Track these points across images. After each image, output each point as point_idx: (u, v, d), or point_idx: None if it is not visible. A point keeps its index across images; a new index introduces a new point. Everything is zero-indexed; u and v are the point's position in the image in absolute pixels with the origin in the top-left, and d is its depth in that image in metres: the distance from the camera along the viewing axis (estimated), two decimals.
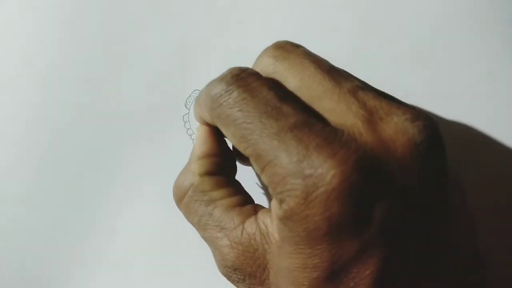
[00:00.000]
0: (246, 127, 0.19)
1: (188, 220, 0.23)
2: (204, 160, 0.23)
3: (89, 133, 0.34)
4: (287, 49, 0.22)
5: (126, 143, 0.34)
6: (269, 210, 0.21)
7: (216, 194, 0.22)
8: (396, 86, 0.34)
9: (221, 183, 0.23)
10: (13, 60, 0.36)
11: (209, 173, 0.23)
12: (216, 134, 0.24)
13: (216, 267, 0.22)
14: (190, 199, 0.23)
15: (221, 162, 0.24)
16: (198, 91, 0.34)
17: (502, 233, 0.31)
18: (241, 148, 0.19)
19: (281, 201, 0.18)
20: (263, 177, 0.19)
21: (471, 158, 0.32)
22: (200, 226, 0.22)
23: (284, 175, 0.17)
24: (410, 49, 0.34)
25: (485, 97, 0.33)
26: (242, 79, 0.20)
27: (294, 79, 0.20)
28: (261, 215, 0.21)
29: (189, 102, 0.34)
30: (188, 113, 0.34)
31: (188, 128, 0.33)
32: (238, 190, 0.23)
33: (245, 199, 0.22)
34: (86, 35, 0.36)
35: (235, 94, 0.19)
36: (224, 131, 0.20)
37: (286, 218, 0.18)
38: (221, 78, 0.21)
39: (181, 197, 0.23)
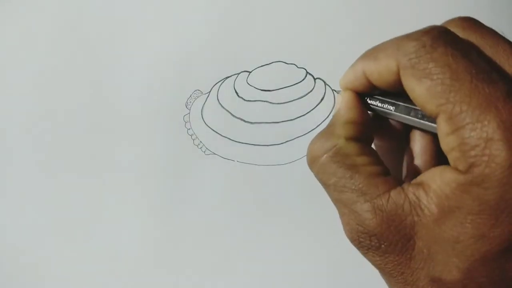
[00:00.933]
0: (450, 84, 0.18)
1: (321, 180, 0.23)
2: (350, 125, 0.23)
3: (90, 133, 0.34)
4: (476, 24, 0.22)
5: (127, 143, 0.34)
6: (419, 183, 0.20)
7: (360, 159, 0.22)
8: None
9: (364, 150, 0.23)
10: (13, 60, 0.36)
11: (354, 138, 0.23)
12: (362, 102, 0.24)
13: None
14: (330, 159, 0.22)
15: (364, 130, 0.24)
16: (199, 91, 0.34)
17: None
18: (433, 104, 0.19)
19: (472, 165, 0.18)
20: (453, 138, 0.19)
21: None
22: (337, 188, 0.22)
23: (487, 138, 0.17)
24: None
25: None
26: (452, 37, 0.20)
27: (489, 49, 0.20)
28: (410, 187, 0.20)
29: (190, 102, 0.34)
30: (189, 113, 0.34)
31: (189, 129, 0.33)
32: (379, 160, 0.23)
33: (387, 170, 0.22)
34: (87, 35, 0.36)
35: (442, 48, 0.19)
36: (413, 84, 0.20)
37: (474, 184, 0.18)
38: (426, 31, 0.20)
39: (318, 156, 0.23)
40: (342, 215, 0.22)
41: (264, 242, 0.32)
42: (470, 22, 0.22)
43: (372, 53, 0.23)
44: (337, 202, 0.22)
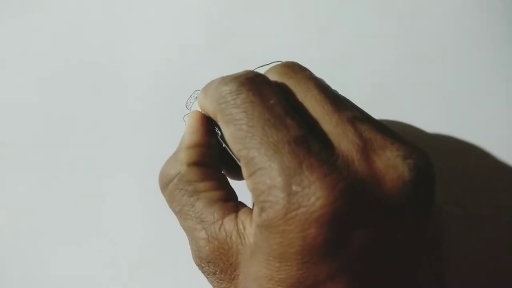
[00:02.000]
0: (247, 130, 0.19)
1: (170, 208, 0.24)
2: (193, 149, 0.24)
3: (90, 133, 0.34)
4: (295, 70, 0.23)
5: (127, 143, 0.34)
6: (250, 211, 0.21)
7: (201, 185, 0.23)
8: (397, 86, 0.34)
9: (207, 175, 0.23)
10: (13, 60, 0.36)
11: (196, 163, 0.24)
12: (208, 124, 0.24)
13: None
14: (175, 187, 0.23)
15: (209, 153, 0.24)
16: (199, 92, 0.34)
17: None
18: (235, 148, 0.20)
19: (261, 210, 0.18)
20: (249, 182, 0.19)
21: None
22: (181, 215, 0.23)
23: (270, 185, 0.18)
24: (410, 51, 0.34)
25: (486, 98, 0.33)
26: (255, 83, 0.21)
27: (298, 96, 0.21)
28: (241, 214, 0.21)
29: (190, 102, 0.34)
30: (189, 113, 0.34)
31: None
32: (223, 184, 0.23)
33: (229, 195, 0.23)
34: (87, 36, 0.36)
35: (244, 95, 0.20)
36: (223, 127, 0.21)
37: (263, 227, 0.18)
38: (235, 77, 0.21)
39: (166, 184, 0.24)
40: (189, 241, 0.23)
41: None
42: (289, 69, 0.23)
43: (207, 87, 0.23)
44: (183, 228, 0.23)
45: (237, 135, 0.20)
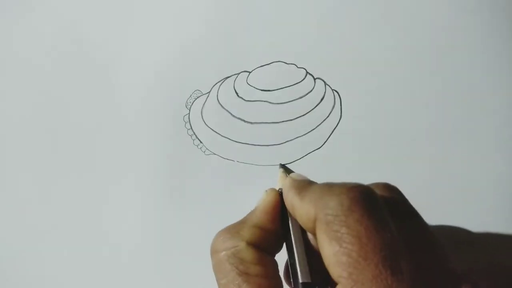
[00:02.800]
0: (356, 259, 0.18)
1: (215, 274, 0.23)
2: (258, 230, 0.23)
3: (90, 133, 0.34)
4: (401, 196, 0.22)
5: (127, 143, 0.34)
6: None
7: (254, 269, 0.22)
8: (398, 86, 0.34)
9: (263, 260, 0.22)
10: (13, 60, 0.36)
11: (256, 244, 0.22)
12: (282, 209, 0.23)
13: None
14: (227, 259, 0.22)
15: (271, 239, 0.23)
16: (199, 91, 0.34)
17: None
18: (335, 271, 0.18)
19: None
20: None
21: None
22: None
23: None
24: (410, 50, 0.34)
25: (486, 97, 0.33)
26: (370, 203, 0.19)
27: (409, 226, 0.20)
28: None
29: (190, 102, 0.34)
30: (189, 113, 0.34)
31: (189, 129, 0.33)
32: (273, 273, 0.22)
33: (278, 286, 0.22)
34: (87, 36, 0.36)
35: (357, 215, 0.18)
36: (324, 242, 0.19)
37: None
38: (348, 189, 0.20)
39: (218, 251, 0.23)
40: None
41: None
42: (396, 194, 0.22)
43: (302, 188, 0.22)
44: None
45: (343, 260, 0.18)
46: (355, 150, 0.32)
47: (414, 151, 0.32)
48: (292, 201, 0.22)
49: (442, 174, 0.32)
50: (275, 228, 0.23)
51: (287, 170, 0.25)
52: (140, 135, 0.34)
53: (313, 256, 0.21)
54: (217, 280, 0.22)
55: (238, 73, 0.34)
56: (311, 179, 0.24)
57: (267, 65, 0.34)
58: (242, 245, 0.22)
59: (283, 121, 0.33)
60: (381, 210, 0.19)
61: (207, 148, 0.33)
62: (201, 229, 0.32)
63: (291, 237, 0.22)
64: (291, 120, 0.33)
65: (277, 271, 0.22)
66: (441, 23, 0.34)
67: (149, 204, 0.33)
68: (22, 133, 0.35)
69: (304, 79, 0.34)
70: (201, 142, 0.33)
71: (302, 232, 0.22)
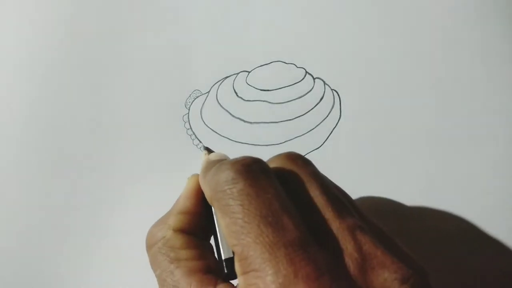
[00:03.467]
0: (242, 225, 0.18)
1: (152, 269, 0.23)
2: (183, 216, 0.23)
3: (89, 133, 0.34)
4: (298, 164, 0.22)
5: (126, 143, 0.34)
6: (228, 286, 0.21)
7: (183, 253, 0.22)
8: (397, 86, 0.34)
9: (191, 243, 0.23)
10: (13, 61, 0.36)
11: (183, 230, 0.23)
12: (202, 192, 0.23)
13: None
14: (158, 250, 0.23)
15: (198, 221, 0.23)
16: (198, 91, 0.34)
17: None
18: (229, 242, 0.19)
19: None
20: (241, 279, 0.19)
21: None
22: (160, 280, 0.22)
23: None
24: (410, 50, 0.34)
25: (486, 96, 0.33)
26: (252, 171, 0.20)
27: (299, 192, 0.20)
28: None
29: (189, 102, 0.34)
30: (188, 113, 0.34)
31: (188, 128, 0.33)
32: (206, 254, 0.23)
33: (210, 266, 0.22)
34: (86, 36, 0.36)
35: (240, 185, 0.19)
36: (218, 216, 0.20)
37: None
38: (232, 163, 0.20)
39: (151, 245, 0.23)
40: None
41: None
42: (292, 162, 0.22)
43: (207, 169, 0.23)
44: None
45: (233, 229, 0.19)
46: (355, 150, 0.32)
47: (414, 151, 0.32)
48: (200, 183, 0.23)
49: (442, 174, 0.32)
50: (199, 211, 0.23)
51: (210, 152, 0.26)
52: (139, 134, 0.34)
53: None
54: (154, 275, 0.23)
55: (238, 73, 0.34)
56: None
57: (266, 65, 0.34)
58: (169, 233, 0.23)
59: (282, 121, 0.33)
60: (265, 177, 0.20)
61: None
62: None
63: (212, 218, 0.23)
64: (290, 120, 0.33)
65: (212, 252, 0.23)
66: (441, 23, 0.34)
67: (149, 204, 0.33)
68: (21, 133, 0.35)
69: (303, 79, 0.34)
70: (200, 142, 0.33)
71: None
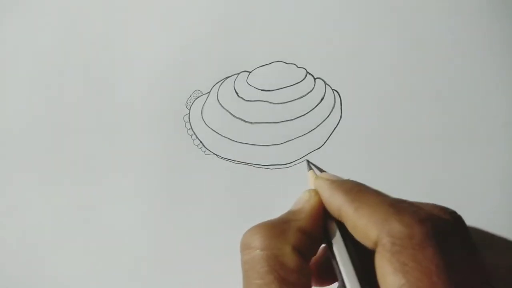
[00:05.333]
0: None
1: (245, 269, 0.21)
2: (304, 236, 0.21)
3: (90, 133, 0.34)
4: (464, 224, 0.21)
5: (126, 143, 0.34)
6: None
7: (295, 277, 0.20)
8: (398, 85, 0.33)
9: (304, 270, 0.21)
10: (13, 61, 0.36)
11: (300, 251, 0.21)
12: (327, 215, 0.22)
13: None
14: (266, 258, 0.20)
15: (314, 246, 0.22)
16: (199, 91, 0.34)
17: None
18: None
19: None
20: None
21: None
22: (250, 285, 0.20)
23: None
24: (410, 50, 0.34)
25: (487, 96, 0.33)
26: (443, 236, 0.18)
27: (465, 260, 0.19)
28: None
29: (190, 102, 0.34)
30: (189, 113, 0.34)
31: (189, 129, 0.33)
32: (309, 284, 0.21)
33: None
34: (87, 36, 0.36)
35: (430, 253, 0.18)
36: (386, 270, 0.18)
37: None
38: (420, 221, 0.19)
39: (254, 247, 0.21)
40: None
41: None
42: (461, 221, 0.21)
43: (355, 196, 0.21)
44: None
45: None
46: (355, 150, 0.32)
47: (414, 151, 0.32)
48: (342, 209, 0.21)
49: (442, 174, 0.32)
50: (319, 234, 0.21)
51: (315, 168, 0.24)
52: (140, 135, 0.34)
53: (356, 261, 0.20)
54: (246, 277, 0.21)
55: (238, 73, 0.34)
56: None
57: (267, 65, 0.34)
58: (287, 249, 0.20)
59: (283, 121, 0.33)
60: (452, 248, 0.18)
61: (207, 148, 0.33)
62: (200, 229, 0.32)
63: (334, 247, 0.21)
64: (291, 120, 0.33)
65: (310, 280, 0.21)
66: (441, 23, 0.34)
67: (149, 204, 0.33)
68: (21, 133, 0.35)
69: (304, 79, 0.34)
70: (201, 142, 0.33)
71: (344, 239, 0.21)
